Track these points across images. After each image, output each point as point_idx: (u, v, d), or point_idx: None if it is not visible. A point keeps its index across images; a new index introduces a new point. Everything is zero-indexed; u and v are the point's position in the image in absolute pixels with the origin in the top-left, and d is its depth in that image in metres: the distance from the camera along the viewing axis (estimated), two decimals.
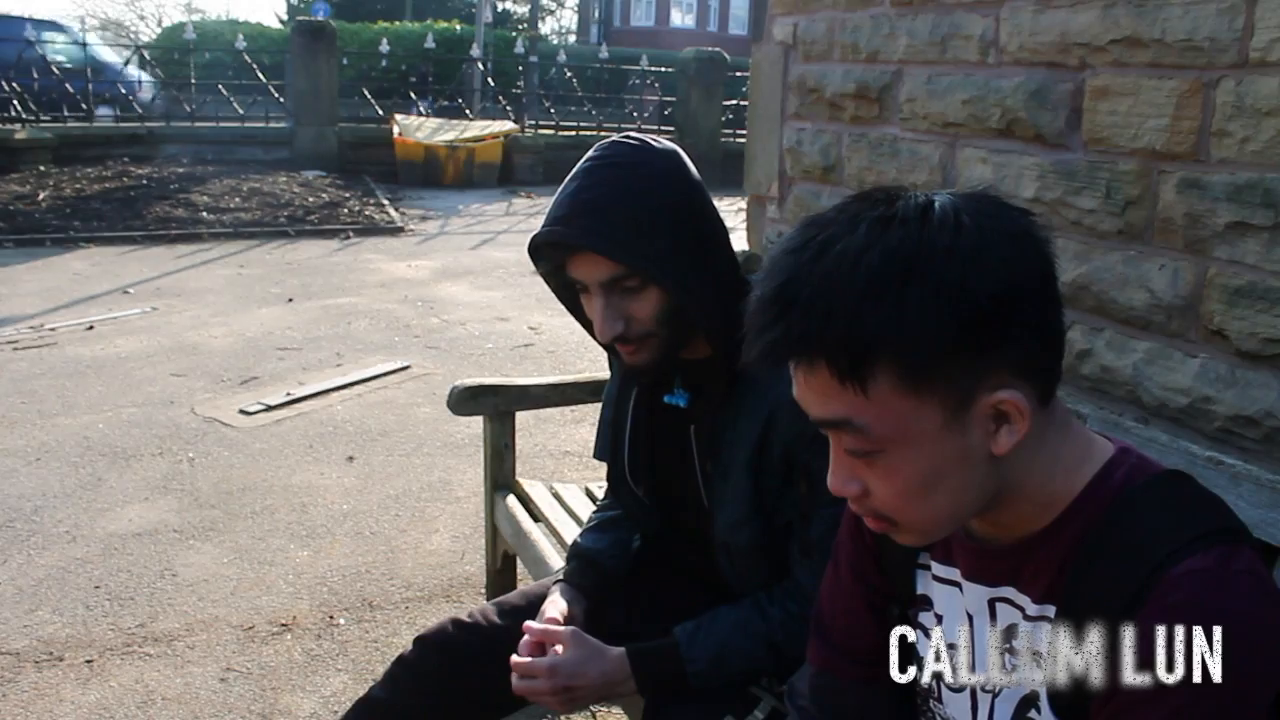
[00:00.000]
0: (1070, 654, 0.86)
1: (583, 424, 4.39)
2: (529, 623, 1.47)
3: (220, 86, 12.90)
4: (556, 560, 2.11)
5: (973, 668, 0.98)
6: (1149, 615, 0.79)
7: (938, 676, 1.02)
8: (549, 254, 1.37)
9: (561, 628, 1.46)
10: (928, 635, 1.04)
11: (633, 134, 1.40)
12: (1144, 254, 1.69)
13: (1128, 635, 0.80)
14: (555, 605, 1.56)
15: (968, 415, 0.83)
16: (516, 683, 1.42)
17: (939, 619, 1.03)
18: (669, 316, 1.34)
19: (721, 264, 1.37)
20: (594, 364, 5.28)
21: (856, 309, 0.79)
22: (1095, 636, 0.83)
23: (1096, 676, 0.82)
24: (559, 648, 1.41)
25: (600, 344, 1.38)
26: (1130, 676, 0.79)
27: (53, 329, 5.68)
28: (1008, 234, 0.83)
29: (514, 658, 1.43)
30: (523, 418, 2.63)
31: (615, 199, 1.29)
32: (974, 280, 0.79)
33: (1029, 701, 0.92)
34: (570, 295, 1.45)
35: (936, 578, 1.03)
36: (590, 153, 1.36)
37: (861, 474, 0.88)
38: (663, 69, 15.51)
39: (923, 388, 0.82)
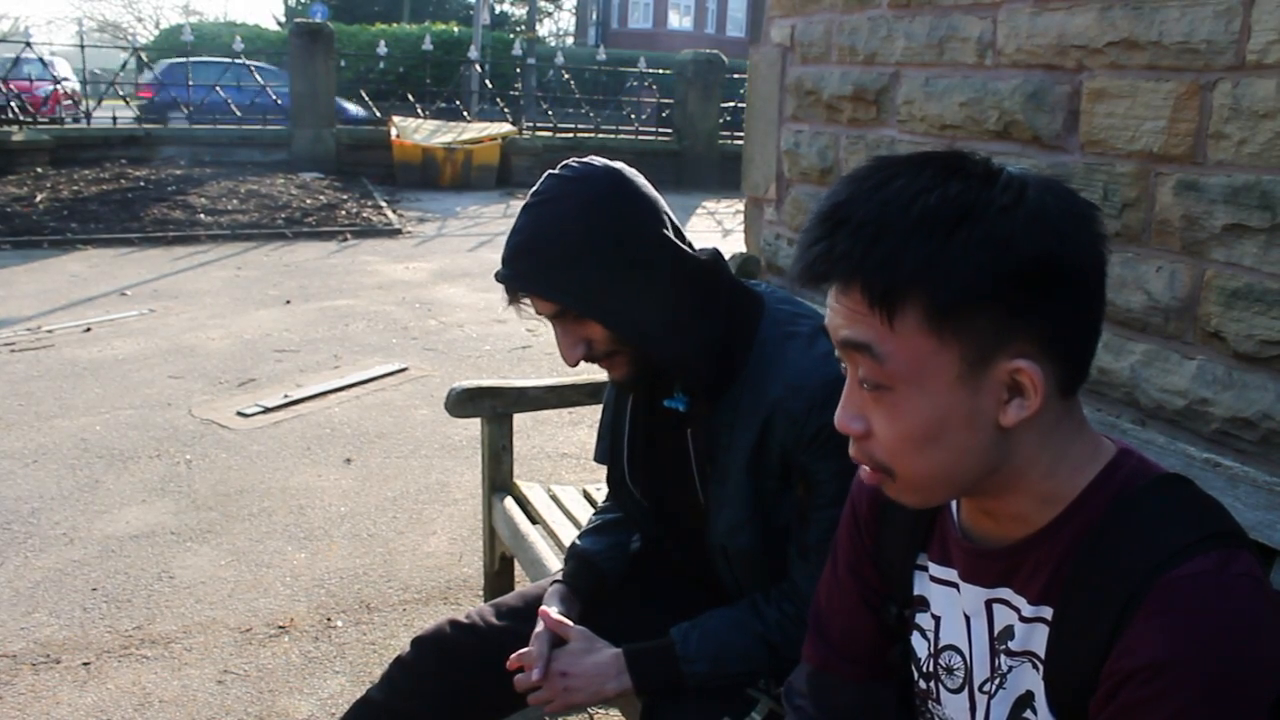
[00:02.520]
0: (1068, 655, 0.86)
1: (580, 426, 4.39)
2: (544, 608, 1.51)
3: (218, 88, 12.91)
4: (554, 562, 2.11)
5: (970, 668, 0.98)
6: (1147, 617, 0.79)
7: (935, 677, 1.02)
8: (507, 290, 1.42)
9: (572, 624, 1.49)
10: (925, 636, 1.04)
11: (574, 161, 1.40)
12: (1141, 256, 1.69)
13: (1126, 637, 0.80)
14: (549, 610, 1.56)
15: (983, 375, 0.84)
16: (519, 679, 1.46)
17: (937, 620, 1.03)
18: (623, 340, 1.37)
19: (666, 284, 1.35)
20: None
21: (903, 240, 0.82)
22: (1093, 638, 0.83)
23: (1094, 678, 0.82)
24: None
25: (569, 366, 1.43)
26: (1128, 679, 0.79)
27: (50, 331, 5.68)
28: (1068, 213, 0.84)
29: (516, 654, 1.46)
30: (520, 420, 2.63)
31: (541, 238, 1.33)
32: (1022, 240, 0.81)
33: (1024, 701, 0.92)
34: None
35: (934, 579, 1.03)
36: (531, 193, 1.38)
37: (869, 411, 0.88)
38: (660, 71, 15.53)
39: (946, 332, 0.82)
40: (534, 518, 2.41)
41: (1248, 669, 0.76)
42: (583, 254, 1.31)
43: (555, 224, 1.32)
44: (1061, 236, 0.83)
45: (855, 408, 0.89)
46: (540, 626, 1.50)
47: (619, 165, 1.39)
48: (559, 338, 1.39)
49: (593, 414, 4.19)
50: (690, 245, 1.41)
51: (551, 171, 1.38)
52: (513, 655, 1.47)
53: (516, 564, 2.50)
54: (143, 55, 13.72)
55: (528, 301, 1.42)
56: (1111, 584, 0.83)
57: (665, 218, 1.38)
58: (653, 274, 1.35)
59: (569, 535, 2.25)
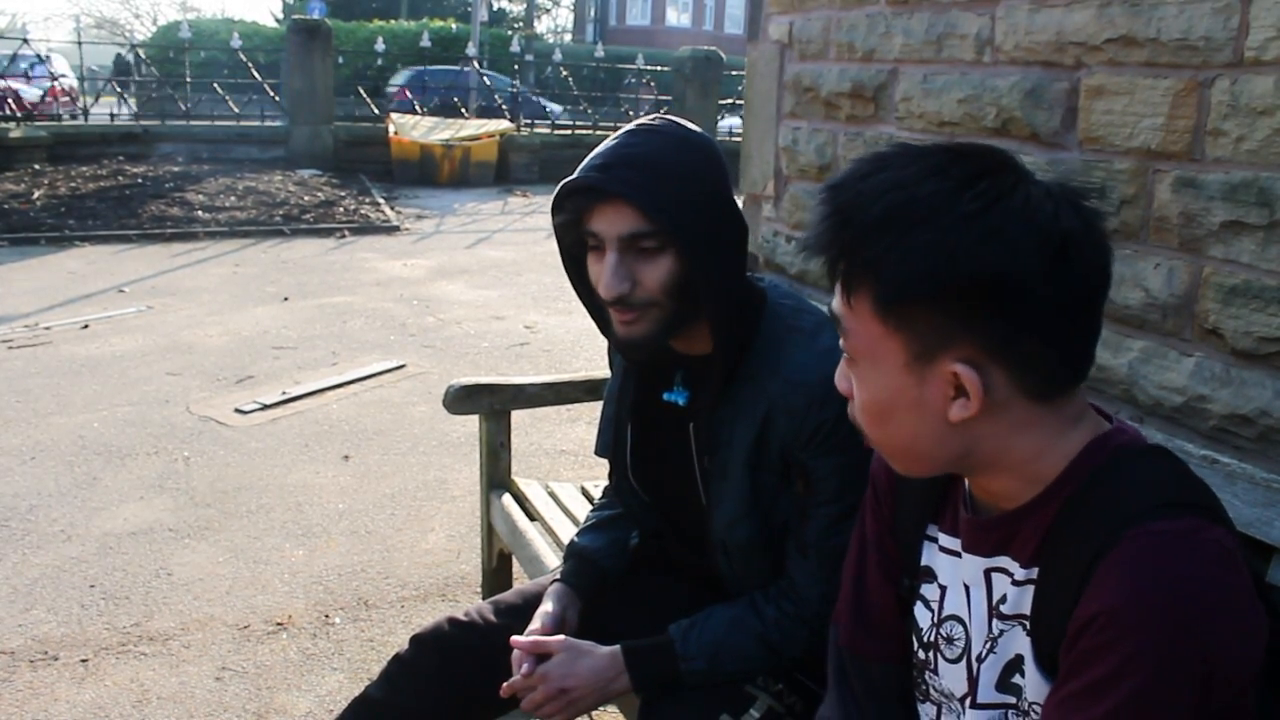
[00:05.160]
0: (1048, 610, 0.87)
1: (578, 423, 4.39)
2: (515, 638, 1.47)
3: (215, 85, 12.89)
4: (552, 559, 2.11)
5: (969, 638, 0.99)
6: (1111, 565, 0.80)
7: (935, 648, 1.03)
8: (572, 204, 1.35)
9: (552, 638, 1.46)
10: (929, 607, 1.05)
11: (671, 117, 1.42)
12: (1139, 253, 1.69)
13: (1090, 585, 0.81)
14: (541, 613, 1.55)
15: (928, 369, 0.88)
16: (524, 704, 1.43)
17: (943, 590, 1.03)
18: (676, 288, 1.33)
19: (734, 254, 1.39)
20: (590, 363, 5.28)
21: (863, 232, 0.87)
22: (1067, 590, 0.84)
23: (1064, 628, 0.83)
24: (549, 662, 1.42)
25: (603, 300, 1.36)
26: (1087, 625, 0.79)
27: (48, 328, 5.67)
28: (1035, 227, 0.84)
29: (507, 684, 1.43)
30: (518, 417, 2.63)
31: (656, 158, 1.31)
32: (966, 253, 0.83)
33: (1014, 666, 0.93)
34: (576, 262, 1.44)
35: (943, 549, 1.04)
36: (632, 125, 1.38)
37: (850, 375, 0.96)
38: (658, 68, 15.52)
39: (890, 322, 0.88)
40: (532, 515, 2.41)
41: (1200, 624, 0.76)
42: (689, 185, 1.32)
43: (668, 148, 1.33)
44: (1016, 254, 0.82)
45: (843, 368, 0.97)
46: (518, 652, 1.45)
47: None
48: (612, 266, 1.32)
49: (590, 411, 4.20)
50: None
51: (653, 117, 1.40)
52: (505, 686, 1.44)
53: (515, 561, 2.50)
54: (140, 51, 13.69)
55: (569, 221, 1.37)
56: (1086, 539, 0.84)
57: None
58: (728, 236, 1.38)
59: (567, 532, 2.25)
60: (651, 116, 1.40)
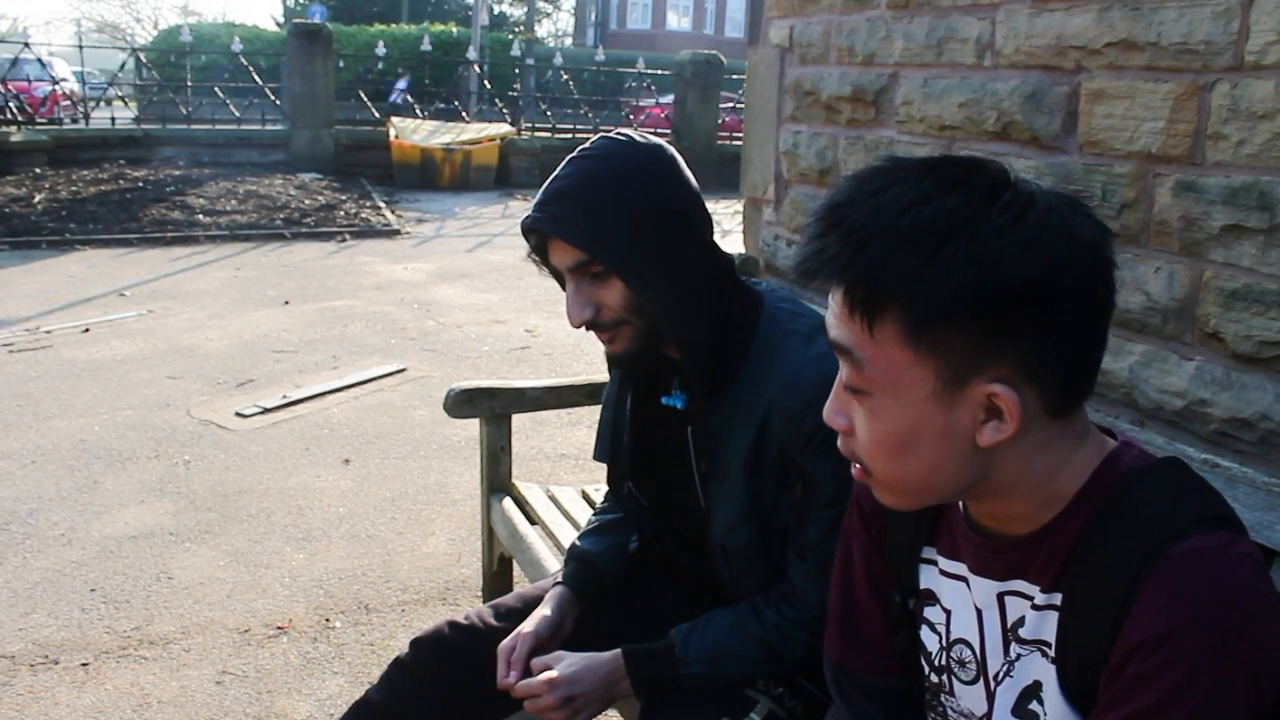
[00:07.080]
0: (1078, 636, 0.85)
1: (579, 427, 4.39)
2: (502, 645, 1.49)
3: (216, 89, 12.91)
4: (553, 563, 2.11)
5: (982, 661, 0.98)
6: (1155, 589, 0.79)
7: (949, 670, 1.02)
8: (533, 241, 1.42)
9: (551, 654, 1.47)
10: (935, 630, 1.03)
11: (626, 130, 1.43)
12: (1140, 257, 1.69)
13: (1135, 611, 0.79)
14: (537, 616, 1.55)
15: (959, 394, 0.83)
16: (529, 705, 1.43)
17: (947, 614, 1.02)
18: (637, 307, 1.36)
19: (691, 265, 1.38)
20: (590, 367, 5.27)
21: (888, 251, 0.81)
22: (1102, 615, 0.82)
23: (1104, 655, 0.82)
24: (552, 673, 1.42)
25: (573, 327, 1.42)
26: (1135, 650, 0.78)
27: (48, 331, 5.67)
28: (1067, 237, 0.82)
29: (517, 683, 1.44)
30: (519, 420, 2.63)
31: (582, 187, 1.34)
32: (1008, 265, 0.79)
33: (1031, 692, 0.91)
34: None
35: (944, 572, 1.02)
36: (575, 151, 1.41)
37: (851, 410, 0.90)
38: (659, 71, 15.53)
39: (922, 347, 0.82)
40: (532, 518, 2.41)
41: (1251, 643, 0.76)
42: (620, 209, 1.32)
43: (598, 176, 1.34)
44: (1054, 264, 0.81)
45: (840, 404, 0.91)
46: (511, 678, 1.47)
47: (671, 146, 1.42)
48: (570, 295, 1.38)
49: (591, 415, 4.19)
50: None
51: (606, 133, 1.41)
52: (519, 686, 1.44)
53: (515, 565, 2.50)
54: (140, 55, 13.71)
55: (537, 260, 1.43)
56: (1118, 562, 0.82)
57: (700, 206, 1.41)
58: (681, 249, 1.37)
59: (567, 536, 2.25)
60: (597, 137, 1.41)
